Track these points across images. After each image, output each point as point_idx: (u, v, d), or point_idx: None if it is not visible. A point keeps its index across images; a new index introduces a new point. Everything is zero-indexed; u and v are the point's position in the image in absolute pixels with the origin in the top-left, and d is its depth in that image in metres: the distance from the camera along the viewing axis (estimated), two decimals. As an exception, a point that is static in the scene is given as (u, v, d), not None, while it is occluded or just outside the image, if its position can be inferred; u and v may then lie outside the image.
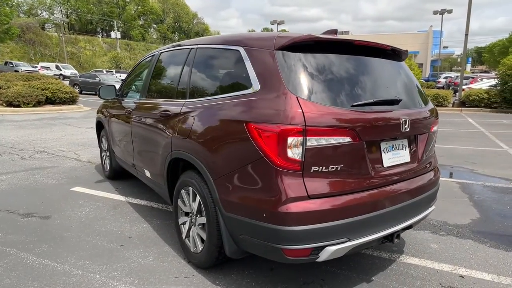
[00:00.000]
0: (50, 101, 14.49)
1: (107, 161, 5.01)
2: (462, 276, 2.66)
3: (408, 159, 2.47)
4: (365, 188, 2.18)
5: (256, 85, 2.19)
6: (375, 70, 2.44)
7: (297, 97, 2.01)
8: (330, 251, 2.06)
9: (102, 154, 5.23)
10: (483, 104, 16.03)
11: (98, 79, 23.15)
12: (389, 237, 2.34)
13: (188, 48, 3.07)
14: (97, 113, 5.20)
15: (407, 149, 2.47)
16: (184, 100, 2.85)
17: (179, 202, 2.89)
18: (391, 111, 2.31)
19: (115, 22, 61.70)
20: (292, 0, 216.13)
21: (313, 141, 1.98)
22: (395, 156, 2.37)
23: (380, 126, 2.22)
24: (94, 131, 5.81)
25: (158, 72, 3.59)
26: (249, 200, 2.13)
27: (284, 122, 1.96)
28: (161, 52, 3.61)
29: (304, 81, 2.09)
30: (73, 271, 2.68)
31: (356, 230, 2.13)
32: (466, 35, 16.20)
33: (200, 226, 2.64)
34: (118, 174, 4.91)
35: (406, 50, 2.79)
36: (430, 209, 2.68)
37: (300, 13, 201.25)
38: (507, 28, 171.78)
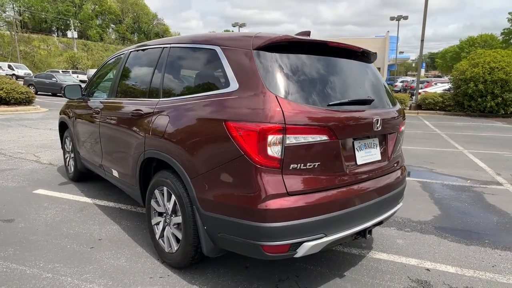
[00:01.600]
0: (4, 101, 13.66)
1: (71, 162, 4.81)
2: (428, 269, 2.82)
3: (379, 158, 2.59)
4: (340, 185, 2.27)
5: (234, 84, 2.21)
6: (347, 71, 2.55)
7: (276, 96, 2.06)
8: (307, 246, 2.11)
9: (66, 156, 5.02)
10: (438, 107, 16.78)
11: (55, 79, 22.07)
12: (362, 233, 2.44)
13: (160, 47, 3.03)
14: (60, 114, 4.99)
15: (378, 148, 2.59)
16: (157, 99, 2.82)
17: (152, 203, 2.84)
18: (364, 110, 2.42)
19: (71, 21, 59.13)
20: (253, 3, 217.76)
21: (292, 139, 2.03)
22: (367, 154, 2.48)
23: (355, 125, 2.32)
24: (54, 132, 5.58)
25: (128, 71, 3.52)
26: (228, 198, 2.14)
27: (264, 120, 1.99)
28: (130, 51, 3.54)
29: (281, 81, 2.14)
30: (43, 274, 2.57)
31: (332, 226, 2.20)
32: (422, 41, 17.11)
33: (175, 226, 2.62)
34: (82, 176, 4.74)
35: (375, 53, 2.92)
36: (398, 206, 2.82)
37: (261, 16, 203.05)
38: (458, 35, 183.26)
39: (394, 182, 2.70)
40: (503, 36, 41.09)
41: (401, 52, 51.29)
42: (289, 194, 2.05)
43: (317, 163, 2.15)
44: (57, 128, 5.22)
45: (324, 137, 2.15)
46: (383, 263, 2.90)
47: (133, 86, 3.40)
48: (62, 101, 18.36)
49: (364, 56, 2.77)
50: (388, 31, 44.92)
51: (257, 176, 2.02)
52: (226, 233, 2.20)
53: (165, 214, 2.74)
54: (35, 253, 2.87)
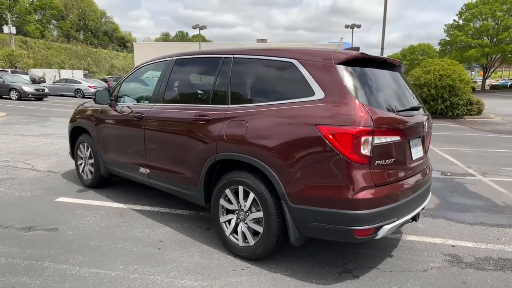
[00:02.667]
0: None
1: (88, 168, 4.76)
2: (453, 246, 3.38)
3: (422, 154, 3.09)
4: (405, 177, 2.73)
5: (319, 93, 2.56)
6: (396, 81, 3.02)
7: (362, 104, 2.45)
8: (386, 229, 2.52)
9: (80, 162, 4.93)
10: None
11: (1, 80, 20.23)
12: (415, 217, 2.92)
13: (219, 57, 3.27)
14: (75, 120, 4.90)
15: (421, 145, 3.10)
16: (226, 106, 3.06)
17: (222, 201, 3.07)
18: (418, 115, 2.90)
19: (8, 15, 54.25)
20: (206, 4, 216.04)
21: (378, 140, 2.44)
22: (417, 151, 2.96)
23: (415, 127, 2.80)
24: (31, 139, 5.42)
25: (177, 78, 3.68)
26: (321, 191, 2.48)
27: (358, 124, 2.37)
28: (176, 59, 3.70)
29: (361, 90, 2.54)
30: (130, 275, 2.69)
31: (401, 211, 2.64)
32: (382, 49, 18.65)
33: (252, 221, 2.88)
34: (102, 182, 4.72)
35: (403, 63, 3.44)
36: (430, 194, 3.35)
37: (215, 18, 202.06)
38: (399, 43, 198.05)
39: (429, 175, 3.23)
40: (440, 46, 45.63)
41: None
42: (375, 185, 2.45)
43: (392, 159, 2.59)
44: (33, 134, 5.08)
45: (398, 138, 2.59)
46: (417, 244, 3.41)
47: (187, 92, 3.57)
48: (18, 105, 16.90)
49: (400, 67, 3.26)
50: (342, 38, 47.46)
51: (351, 171, 2.40)
52: (317, 222, 2.53)
53: (237, 211, 2.99)
54: (107, 257, 2.95)
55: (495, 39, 39.73)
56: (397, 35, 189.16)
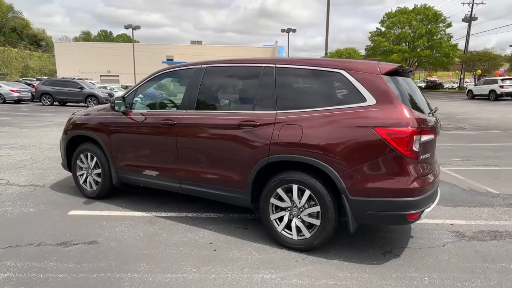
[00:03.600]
0: None
1: (93, 179, 4.59)
2: (452, 224, 4.06)
3: (435, 151, 3.69)
4: (433, 169, 3.27)
5: (371, 100, 2.98)
6: (413, 86, 3.55)
7: (409, 108, 2.92)
8: (425, 213, 3.03)
9: (81, 173, 4.71)
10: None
11: None
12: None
13: (260, 66, 3.51)
14: (74, 129, 4.67)
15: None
16: (274, 111, 3.31)
17: (273, 200, 3.32)
18: (433, 116, 3.48)
19: None
20: (130, 3, 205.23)
21: (423, 138, 2.93)
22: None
23: (437, 127, 3.36)
24: None
25: (211, 86, 3.82)
26: (380, 183, 2.89)
27: (411, 125, 2.83)
28: (207, 67, 3.82)
29: (404, 96, 3.01)
30: (208, 276, 2.82)
31: (432, 198, 3.17)
32: (326, 54, 19.94)
33: (308, 215, 3.18)
34: (109, 192, 4.59)
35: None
36: None
37: (140, 17, 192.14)
38: (323, 46, 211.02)
39: (439, 170, 3.85)
40: (366, 51, 50.16)
41: None
42: (422, 176, 2.94)
43: (429, 154, 3.11)
44: None
45: (432, 136, 3.12)
46: (425, 225, 4.02)
47: (226, 99, 3.72)
48: None
49: (411, 73, 3.82)
50: (277, 42, 49.15)
51: (406, 165, 2.85)
52: (375, 210, 2.94)
53: (289, 208, 3.27)
54: (172, 263, 3.01)
55: (412, 45, 44.86)
56: (322, 39, 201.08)
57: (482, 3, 41.88)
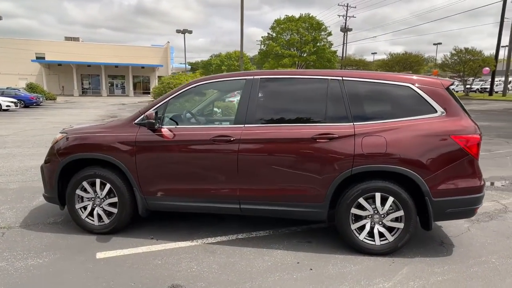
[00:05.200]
0: None
1: (104, 211, 3.81)
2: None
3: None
4: None
5: (440, 111, 3.36)
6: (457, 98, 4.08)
7: (470, 117, 3.41)
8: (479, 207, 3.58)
9: (83, 205, 3.83)
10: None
11: None
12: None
13: (325, 79, 3.54)
14: (75, 150, 3.77)
15: None
16: (350, 123, 3.39)
17: (354, 210, 3.40)
18: None
19: None
20: None
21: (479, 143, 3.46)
22: None
23: None
24: None
25: (270, 98, 3.64)
26: (458, 184, 3.30)
27: (477, 132, 3.32)
28: (261, 78, 3.62)
29: (462, 107, 3.48)
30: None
31: None
32: (241, 58, 20.07)
33: (390, 220, 3.38)
34: (127, 224, 3.89)
35: None
36: None
37: None
38: (207, 48, 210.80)
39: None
40: (259, 55, 52.56)
41: (182, 63, 52.48)
42: (481, 174, 3.47)
43: (478, 156, 3.67)
44: None
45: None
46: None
47: (292, 112, 3.56)
48: None
49: None
50: (168, 42, 46.75)
51: (476, 166, 3.33)
52: (453, 207, 3.33)
53: (370, 216, 3.41)
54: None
55: (300, 51, 48.75)
56: (204, 40, 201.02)
57: (353, 17, 52.07)
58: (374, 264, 3.29)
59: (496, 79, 36.24)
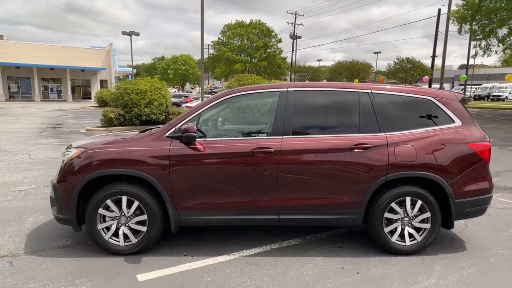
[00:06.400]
0: None
1: (130, 229, 3.60)
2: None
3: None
4: None
5: (458, 121, 3.74)
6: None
7: (480, 126, 3.84)
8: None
9: (106, 226, 3.57)
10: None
11: None
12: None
13: (355, 91, 3.74)
14: (97, 167, 3.50)
15: None
16: (382, 134, 3.62)
17: (387, 215, 3.63)
18: None
19: None
20: None
21: (489, 149, 3.90)
22: None
23: None
24: None
25: (304, 110, 3.73)
26: (476, 185, 3.69)
27: (488, 140, 3.75)
28: (294, 90, 3.72)
29: (473, 117, 3.91)
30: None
31: None
32: (201, 62, 19.45)
33: (419, 222, 3.67)
34: (153, 243, 3.70)
35: None
36: None
37: None
38: (149, 51, 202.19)
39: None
40: (210, 59, 51.65)
41: (130, 66, 48.35)
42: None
43: (484, 160, 4.12)
44: None
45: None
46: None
47: (327, 123, 3.70)
48: None
49: None
50: (111, 44, 43.52)
51: (488, 169, 3.76)
52: (471, 207, 3.72)
53: (401, 219, 3.67)
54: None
55: (251, 57, 48.88)
56: (145, 42, 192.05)
57: (301, 24, 54.39)
58: (409, 263, 3.54)
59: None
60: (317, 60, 78.55)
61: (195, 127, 3.44)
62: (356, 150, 3.57)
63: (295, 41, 48.28)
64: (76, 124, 17.14)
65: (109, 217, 3.60)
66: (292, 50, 49.24)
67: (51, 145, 10.58)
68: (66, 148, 3.92)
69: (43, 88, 40.72)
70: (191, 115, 3.70)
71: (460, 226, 4.51)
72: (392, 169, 3.57)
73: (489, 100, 42.59)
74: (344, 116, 3.81)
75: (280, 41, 50.62)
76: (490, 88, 47.80)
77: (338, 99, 3.83)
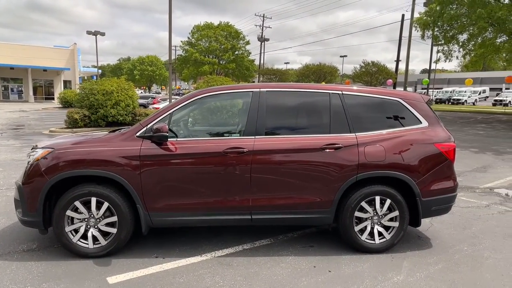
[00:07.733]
0: None
1: (99, 231, 3.50)
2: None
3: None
4: None
5: (424, 122, 3.88)
6: None
7: (445, 127, 4.00)
8: (449, 203, 4.19)
9: (74, 228, 3.46)
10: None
11: None
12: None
13: (327, 92, 3.81)
14: (64, 167, 3.38)
15: None
16: (352, 134, 3.70)
17: (357, 213, 3.72)
18: None
19: None
20: None
21: (451, 149, 4.07)
22: None
23: None
24: None
25: (277, 111, 3.74)
26: (441, 184, 3.83)
27: (453, 141, 3.91)
28: (267, 91, 3.73)
29: (438, 118, 4.06)
30: (371, 293, 2.99)
31: None
32: (170, 65, 19.16)
33: (388, 220, 3.77)
34: (124, 245, 3.62)
35: None
36: None
37: None
38: (114, 51, 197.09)
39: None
40: (178, 61, 50.98)
41: (95, 66, 46.42)
42: (454, 176, 4.08)
43: (447, 160, 4.28)
44: None
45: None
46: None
47: (299, 124, 3.74)
48: None
49: None
50: (75, 44, 42.00)
51: (453, 169, 3.92)
52: (437, 205, 3.86)
53: (371, 217, 3.76)
54: (325, 292, 2.97)
55: (219, 59, 48.46)
56: (110, 43, 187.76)
57: (269, 27, 53.55)
58: (379, 261, 3.63)
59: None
60: (285, 63, 79.43)
61: (167, 126, 3.41)
62: (327, 150, 3.63)
63: (263, 43, 48.63)
64: (38, 125, 16.50)
65: (78, 219, 3.49)
66: (260, 53, 49.60)
67: (12, 147, 10.13)
68: (32, 149, 3.78)
69: (2, 88, 38.86)
70: (162, 114, 3.65)
71: (426, 224, 4.66)
72: (362, 168, 3.66)
73: (450, 103, 44.31)
74: (315, 117, 3.87)
75: (248, 43, 50.78)
76: (451, 92, 49.77)
77: (310, 100, 3.88)
